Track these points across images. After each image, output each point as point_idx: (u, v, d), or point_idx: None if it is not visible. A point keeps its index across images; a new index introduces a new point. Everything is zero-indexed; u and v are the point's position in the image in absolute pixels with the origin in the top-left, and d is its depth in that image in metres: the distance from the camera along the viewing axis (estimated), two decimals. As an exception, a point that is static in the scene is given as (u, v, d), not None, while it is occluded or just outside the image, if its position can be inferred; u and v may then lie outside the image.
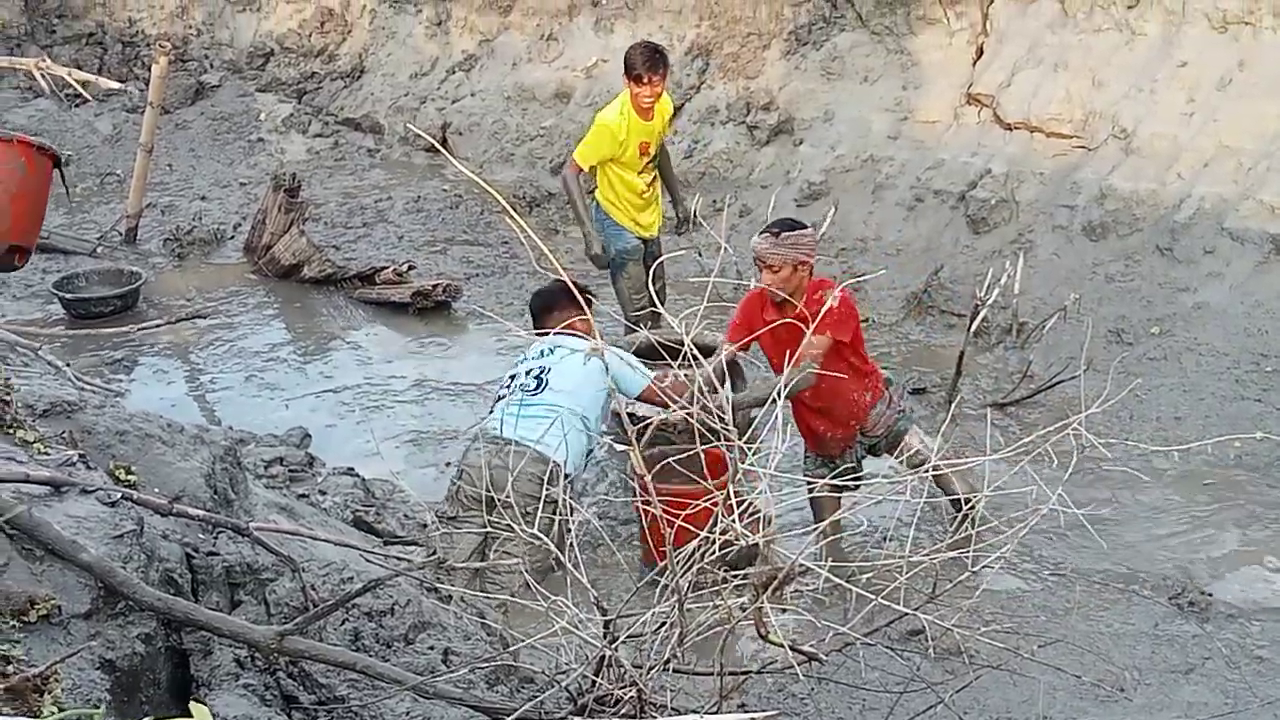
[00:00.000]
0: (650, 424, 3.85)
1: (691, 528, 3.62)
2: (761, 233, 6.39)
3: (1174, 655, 5.99)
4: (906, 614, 3.89)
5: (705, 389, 3.78)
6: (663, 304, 8.15)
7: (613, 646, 3.40)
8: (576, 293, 3.85)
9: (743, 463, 3.65)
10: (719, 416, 3.59)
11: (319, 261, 10.86)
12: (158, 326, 8.57)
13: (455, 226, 12.13)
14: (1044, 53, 10.61)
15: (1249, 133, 9.36)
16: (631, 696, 3.30)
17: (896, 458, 6.69)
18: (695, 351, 3.83)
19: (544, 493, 5.52)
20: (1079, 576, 6.63)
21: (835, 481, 4.50)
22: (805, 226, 6.50)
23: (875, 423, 6.67)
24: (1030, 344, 9.06)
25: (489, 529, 5.73)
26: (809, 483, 5.94)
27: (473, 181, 4.11)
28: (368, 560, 4.23)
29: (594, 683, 3.46)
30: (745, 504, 3.67)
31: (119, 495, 3.61)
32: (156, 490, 3.87)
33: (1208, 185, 9.38)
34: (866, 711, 5.36)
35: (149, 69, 12.50)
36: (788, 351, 5.75)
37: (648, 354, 7.59)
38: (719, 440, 3.70)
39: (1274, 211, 8.98)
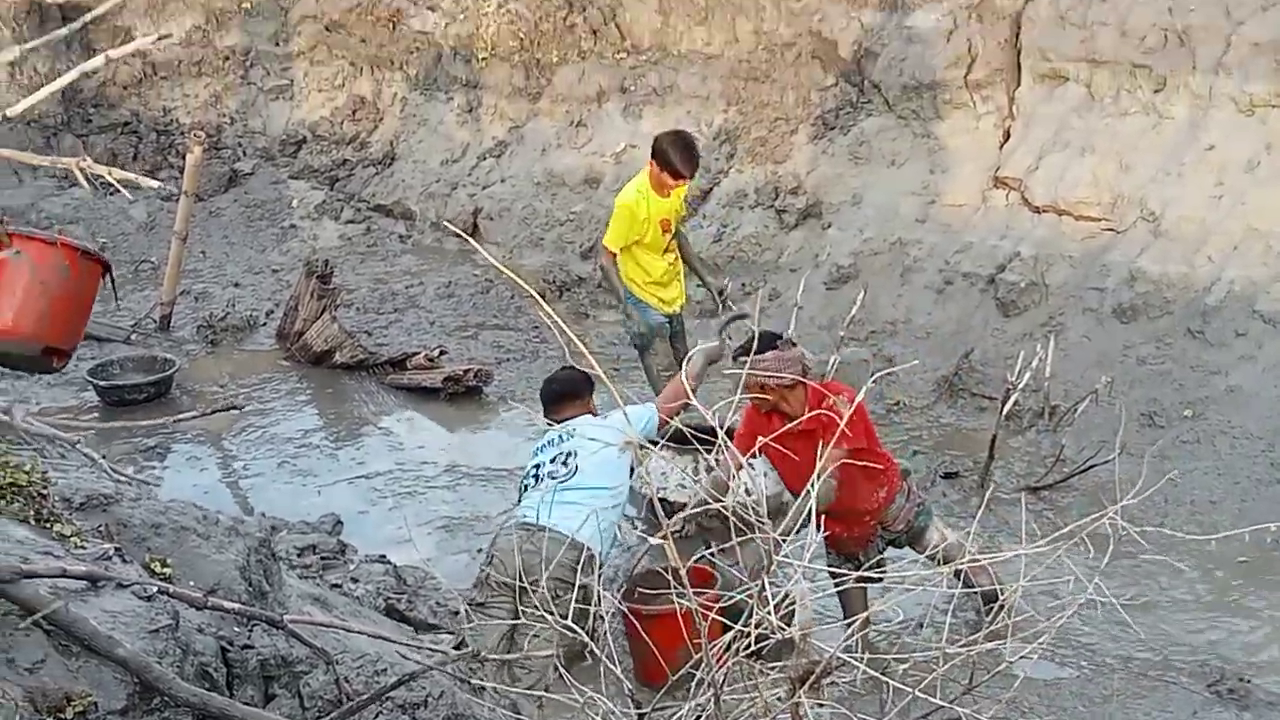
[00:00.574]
0: (684, 511, 3.85)
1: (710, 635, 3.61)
2: (732, 354, 6.42)
3: (1214, 744, 5.93)
4: (944, 706, 3.85)
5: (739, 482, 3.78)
6: None
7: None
8: (595, 370, 3.83)
9: (777, 554, 3.64)
10: (753, 509, 3.58)
11: (351, 347, 10.91)
12: (193, 418, 8.62)
13: (486, 311, 12.19)
14: (1071, 136, 10.65)
15: (1278, 215, 9.36)
16: (668, 793, 3.28)
17: (920, 553, 6.62)
18: (726, 439, 3.84)
19: (577, 579, 5.49)
20: (1117, 664, 6.57)
21: (865, 574, 4.47)
22: (767, 350, 6.36)
23: (895, 518, 6.64)
24: (1063, 427, 9.03)
25: (519, 616, 5.70)
26: (834, 576, 5.88)
27: (502, 268, 4.15)
28: (401, 653, 4.22)
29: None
30: (780, 595, 3.66)
31: (155, 589, 3.62)
32: (192, 583, 3.89)
33: (1237, 268, 9.37)
34: (904, 804, 5.30)
35: (183, 157, 12.64)
36: (797, 465, 5.61)
37: (678, 439, 7.62)
38: (754, 531, 3.69)
39: (1305, 294, 8.97)
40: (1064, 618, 4.04)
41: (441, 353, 10.77)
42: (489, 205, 13.92)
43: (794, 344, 6.62)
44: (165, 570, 3.89)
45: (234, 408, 9.57)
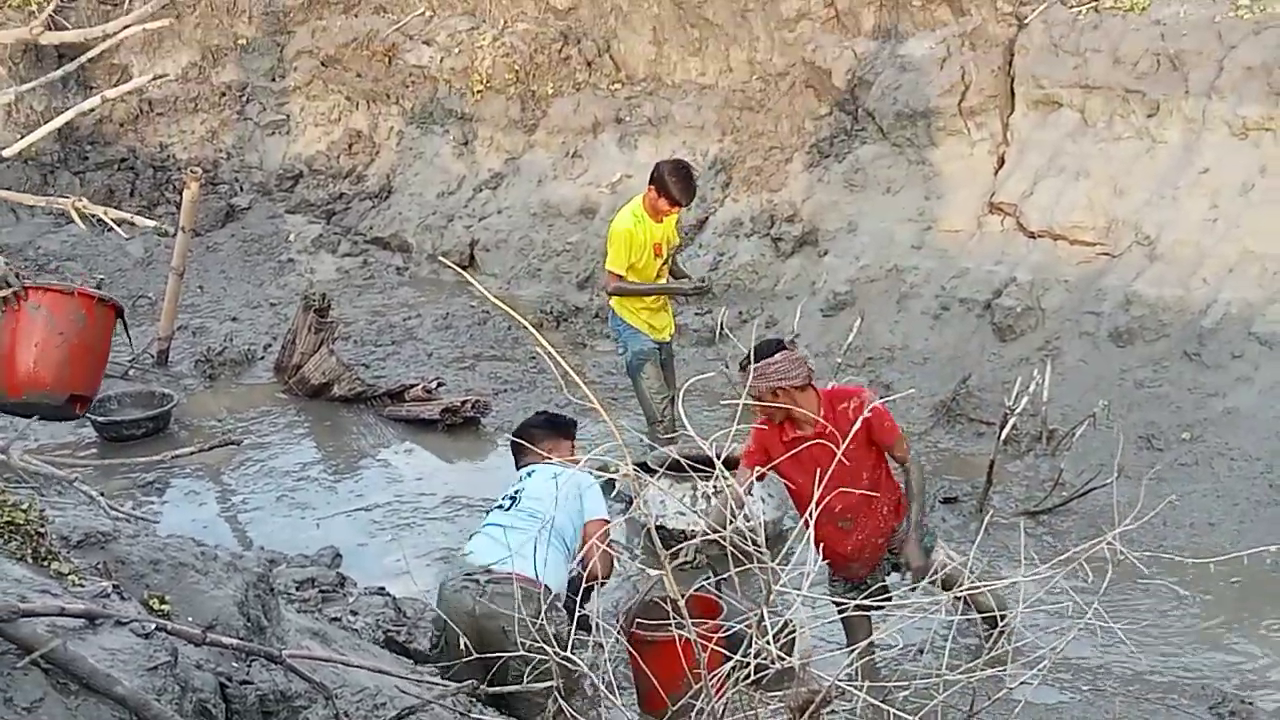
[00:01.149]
0: (687, 544, 3.85)
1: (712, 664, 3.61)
2: (739, 364, 6.40)
3: (1216, 767, 5.91)
4: (944, 733, 3.85)
5: (734, 508, 3.79)
6: (674, 407, 8.70)
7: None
8: (591, 401, 3.79)
9: (775, 582, 3.64)
10: (752, 539, 3.59)
11: (348, 380, 10.91)
12: (191, 454, 8.63)
13: (483, 343, 12.20)
14: (1065, 161, 10.69)
15: (1273, 237, 9.39)
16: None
17: (929, 580, 6.59)
18: (723, 468, 3.84)
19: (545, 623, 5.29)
20: (1118, 687, 6.56)
21: (866, 601, 4.46)
22: (775, 352, 6.38)
23: (901, 540, 6.62)
24: (1061, 451, 9.04)
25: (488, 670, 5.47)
26: (837, 603, 5.87)
27: (496, 301, 4.18)
28: (400, 688, 4.21)
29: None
30: (780, 624, 3.66)
31: (153, 626, 3.62)
32: (190, 619, 3.88)
33: (1233, 290, 9.39)
34: (907, 831, 5.28)
35: (180, 193, 12.66)
36: (818, 470, 5.53)
37: (673, 468, 7.63)
38: (752, 560, 3.70)
39: (1301, 315, 8.99)
40: (1064, 643, 4.04)
41: (439, 384, 10.78)
42: (485, 237, 13.95)
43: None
44: (163, 607, 3.88)
45: (231, 443, 9.57)
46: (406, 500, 9.23)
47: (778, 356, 6.30)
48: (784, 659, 3.44)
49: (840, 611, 5.93)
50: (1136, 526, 6.97)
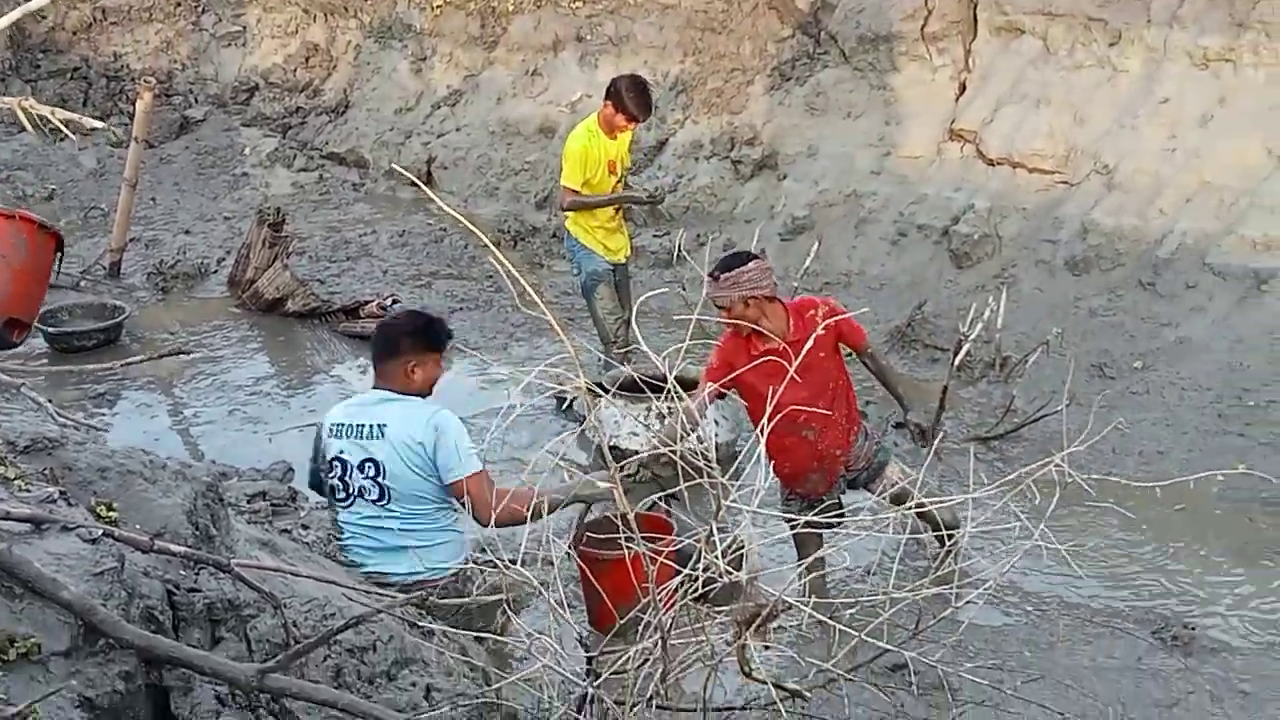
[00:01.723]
0: (633, 458, 3.85)
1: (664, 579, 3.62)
2: (707, 274, 6.34)
3: (1157, 690, 5.98)
4: (890, 650, 3.88)
5: (686, 423, 3.78)
6: (629, 328, 8.67)
7: (595, 684, 3.39)
8: (548, 319, 3.69)
9: (725, 499, 3.65)
10: (702, 455, 3.59)
11: (303, 295, 10.85)
12: (140, 361, 8.56)
13: (440, 260, 12.14)
14: (1026, 89, 10.67)
15: (1230, 168, 9.42)
16: (614, 734, 3.29)
17: (878, 493, 6.63)
18: (677, 386, 3.84)
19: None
20: (1063, 611, 6.62)
21: (817, 518, 4.48)
22: (748, 261, 6.32)
23: (857, 456, 6.65)
24: (1013, 378, 9.08)
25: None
26: (789, 519, 5.88)
27: (457, 216, 4.13)
28: (349, 597, 4.21)
29: (576, 720, 3.46)
30: (728, 540, 3.67)
31: (100, 532, 3.59)
32: (138, 527, 3.85)
33: (1190, 220, 9.43)
34: (851, 748, 5.34)
35: (133, 104, 12.50)
36: (784, 380, 5.43)
37: (629, 388, 7.63)
38: (703, 476, 3.70)
39: (1255, 246, 9.04)
40: (1010, 564, 4.07)
41: (394, 301, 10.73)
42: (443, 154, 13.85)
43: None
44: (111, 514, 3.85)
45: (181, 352, 9.50)
46: (360, 416, 9.18)
47: (750, 265, 6.27)
48: (731, 574, 3.45)
49: (791, 527, 5.95)
50: (1086, 452, 7.03)
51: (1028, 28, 10.81)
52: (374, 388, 5.71)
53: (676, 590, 3.53)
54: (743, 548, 3.79)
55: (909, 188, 10.92)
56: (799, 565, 5.24)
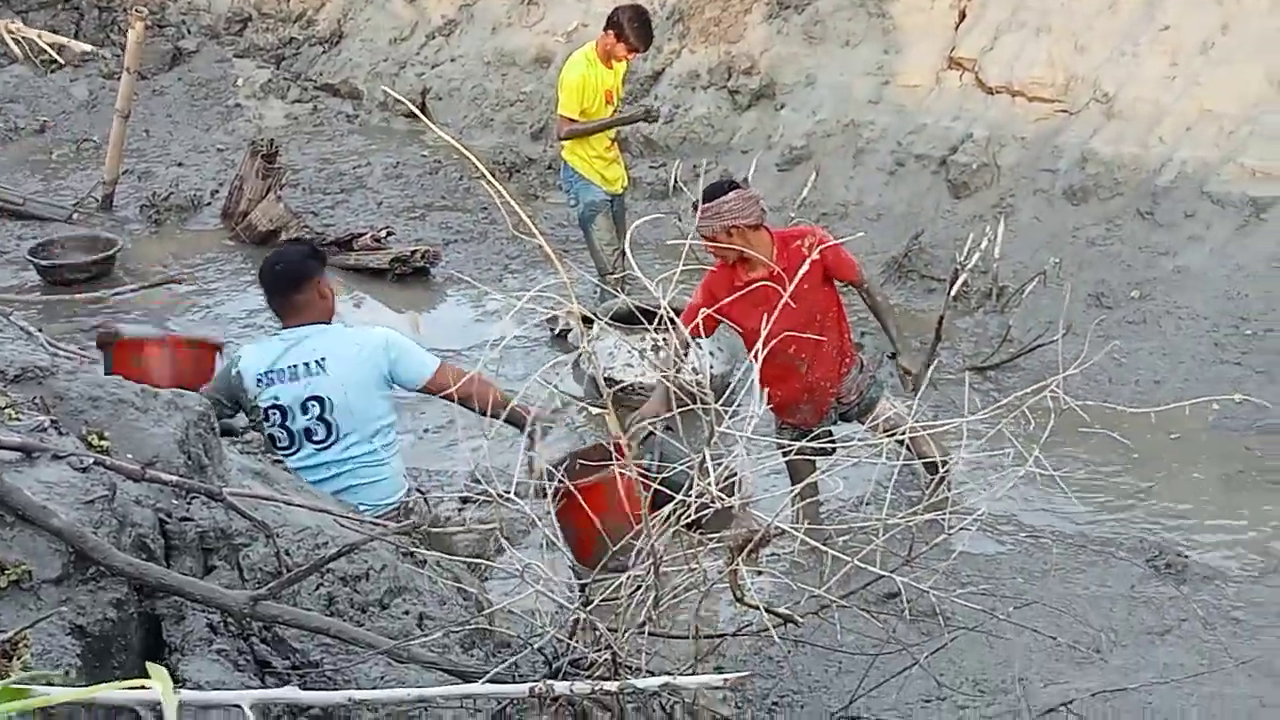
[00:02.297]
0: (623, 386, 3.83)
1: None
2: (692, 205, 6.33)
3: (1150, 617, 6.00)
4: (882, 576, 3.88)
5: (679, 355, 3.77)
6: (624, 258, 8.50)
7: (587, 610, 3.39)
8: (544, 247, 3.63)
9: (719, 426, 3.64)
10: (696, 383, 3.57)
11: (296, 227, 10.81)
12: (131, 292, 8.52)
13: (434, 192, 12.08)
14: (1026, 16, 10.58)
15: (1231, 96, 9.35)
16: (606, 659, 3.30)
17: (870, 425, 6.62)
18: (672, 315, 3.82)
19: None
20: (1056, 539, 6.65)
21: (810, 445, 4.47)
22: (729, 190, 6.28)
23: (849, 389, 6.63)
24: (1010, 308, 9.06)
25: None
26: (783, 448, 5.88)
27: (452, 147, 4.07)
28: (342, 525, 4.20)
29: (569, 646, 3.46)
30: (722, 467, 3.66)
31: (91, 461, 3.57)
32: (129, 456, 3.84)
33: (1189, 149, 9.37)
34: (843, 674, 5.37)
35: (125, 34, 12.39)
36: (766, 315, 5.42)
37: (625, 319, 7.62)
38: (695, 403, 3.69)
39: (1254, 175, 8.99)
40: (1005, 489, 4.07)
41: (389, 233, 10.69)
42: (438, 85, 13.74)
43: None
44: (103, 443, 3.83)
45: (174, 281, 9.46)
46: (354, 348, 9.16)
47: (731, 195, 6.23)
48: (723, 499, 3.45)
49: (784, 454, 5.95)
50: (1082, 381, 7.07)
51: (1028, -46, 10.70)
52: (285, 328, 5.54)
53: (668, 517, 3.53)
54: (735, 475, 3.78)
55: (907, 117, 10.84)
56: (790, 492, 5.24)
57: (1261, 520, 6.85)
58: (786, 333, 5.61)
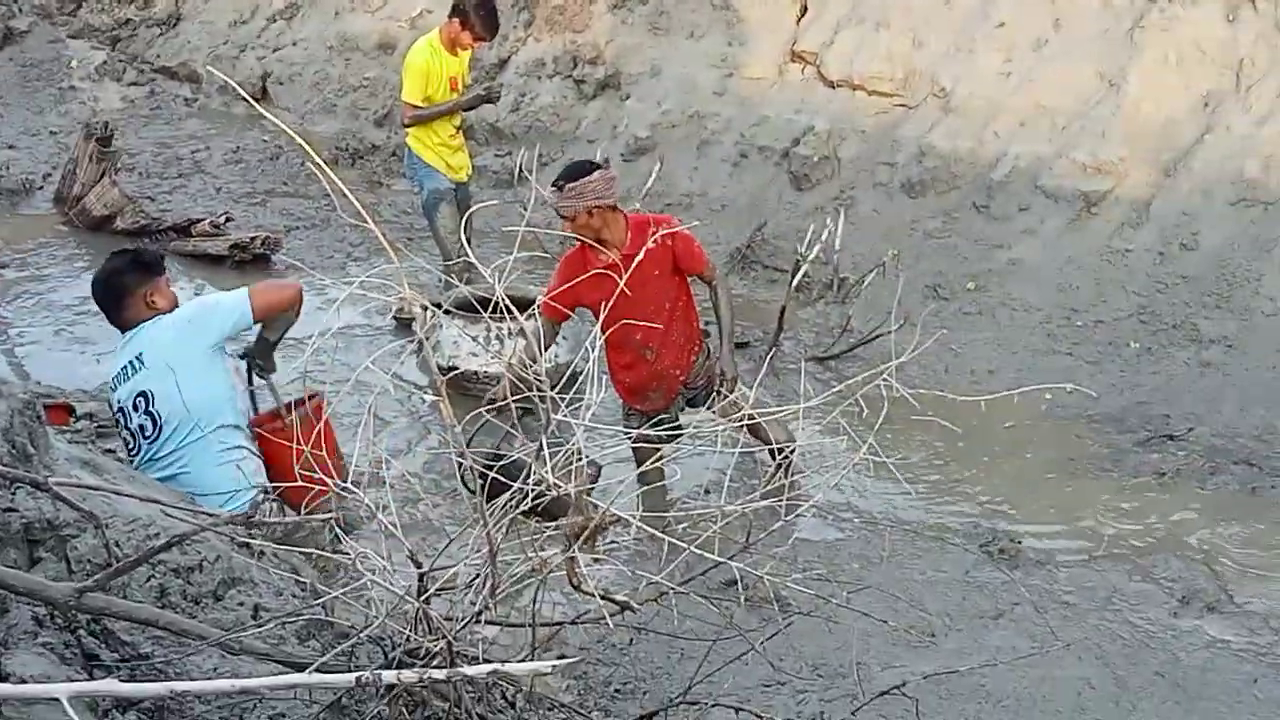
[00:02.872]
0: (456, 373, 3.81)
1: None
2: (551, 185, 6.33)
3: (984, 601, 6.14)
4: (721, 563, 3.91)
5: (522, 345, 3.75)
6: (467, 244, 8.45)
7: (423, 600, 3.36)
8: (382, 240, 3.69)
9: (556, 414, 3.63)
10: (532, 373, 3.56)
11: (132, 213, 10.57)
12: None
13: (275, 178, 11.89)
14: (865, 11, 10.73)
15: (1064, 93, 9.59)
16: (442, 649, 3.27)
17: (715, 411, 6.67)
18: (512, 306, 3.80)
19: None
20: (892, 526, 6.75)
21: (652, 432, 4.49)
22: (593, 171, 6.28)
23: (697, 374, 6.69)
24: (850, 299, 9.20)
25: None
26: (627, 434, 5.90)
27: (291, 134, 4.02)
28: (174, 516, 4.12)
29: (406, 636, 3.42)
30: (560, 454, 3.65)
31: (-94, 450, 3.46)
32: (-51, 445, 3.72)
33: (1023, 144, 9.60)
34: (684, 660, 5.39)
35: (-48, 12, 12.01)
36: (601, 302, 5.43)
37: (465, 308, 7.58)
38: (532, 390, 3.67)
39: (1086, 170, 9.23)
40: (838, 476, 4.13)
41: (228, 219, 10.50)
42: (279, 69, 13.52)
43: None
44: (-80, 432, 3.72)
45: (3, 267, 9.20)
46: (191, 336, 8.98)
47: (595, 175, 6.22)
48: (560, 486, 3.44)
49: (630, 443, 5.96)
50: (919, 370, 7.21)
51: (868, -51, 10.85)
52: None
53: (505, 504, 3.51)
54: (573, 462, 3.78)
55: (751, 109, 10.94)
56: (632, 479, 5.25)
57: (1091, 506, 7.03)
58: (628, 321, 5.64)
